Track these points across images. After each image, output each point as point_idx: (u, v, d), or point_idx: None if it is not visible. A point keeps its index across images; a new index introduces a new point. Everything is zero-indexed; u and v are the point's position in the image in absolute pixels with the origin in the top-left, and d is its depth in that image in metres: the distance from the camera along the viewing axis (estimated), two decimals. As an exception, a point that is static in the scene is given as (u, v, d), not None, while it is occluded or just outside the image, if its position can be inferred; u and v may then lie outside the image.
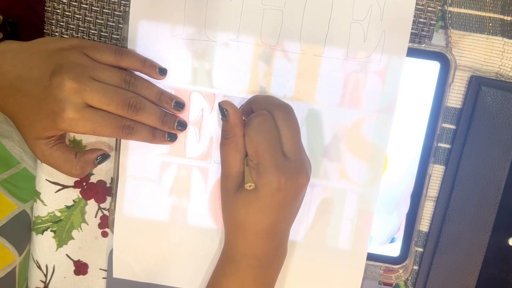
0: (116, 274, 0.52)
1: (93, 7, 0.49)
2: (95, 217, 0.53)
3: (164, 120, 0.46)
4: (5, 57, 0.45)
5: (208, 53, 0.47)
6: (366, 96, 0.47)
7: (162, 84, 0.48)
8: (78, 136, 0.51)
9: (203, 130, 0.49)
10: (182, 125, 0.47)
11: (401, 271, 0.50)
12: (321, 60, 0.47)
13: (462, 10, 0.46)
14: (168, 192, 0.50)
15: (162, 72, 0.47)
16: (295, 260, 0.50)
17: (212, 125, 0.49)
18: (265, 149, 0.41)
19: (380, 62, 0.46)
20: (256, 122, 0.42)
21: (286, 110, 0.43)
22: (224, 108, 0.43)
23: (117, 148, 0.49)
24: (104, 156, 0.48)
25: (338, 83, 0.47)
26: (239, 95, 0.48)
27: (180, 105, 0.47)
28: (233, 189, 0.43)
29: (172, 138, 0.47)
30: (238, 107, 0.46)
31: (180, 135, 0.48)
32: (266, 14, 0.46)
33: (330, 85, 0.47)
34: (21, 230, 0.53)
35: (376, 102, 0.47)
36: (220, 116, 0.45)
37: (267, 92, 0.48)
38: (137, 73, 0.47)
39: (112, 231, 0.51)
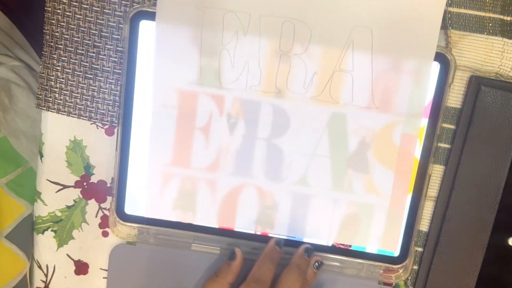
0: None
1: (93, 7, 0.49)
2: (96, 217, 0.53)
3: None
4: None
5: (217, 50, 0.43)
6: (397, 99, 0.43)
7: (166, 86, 0.45)
8: (78, 136, 0.51)
9: (211, 137, 0.45)
10: None
11: (401, 271, 0.50)
12: (344, 63, 0.43)
13: (462, 10, 0.46)
14: (172, 206, 0.48)
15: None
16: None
17: (222, 131, 0.45)
18: None
19: (407, 64, 0.43)
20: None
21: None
22: (235, 253, 0.45)
23: (117, 148, 0.49)
24: None
25: (366, 84, 0.43)
26: (252, 96, 0.43)
27: None
28: None
29: None
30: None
31: (186, 142, 0.46)
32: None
33: (356, 86, 0.43)
34: (29, 234, 0.53)
35: (407, 106, 0.44)
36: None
37: (282, 92, 0.44)
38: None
39: (113, 231, 0.52)
